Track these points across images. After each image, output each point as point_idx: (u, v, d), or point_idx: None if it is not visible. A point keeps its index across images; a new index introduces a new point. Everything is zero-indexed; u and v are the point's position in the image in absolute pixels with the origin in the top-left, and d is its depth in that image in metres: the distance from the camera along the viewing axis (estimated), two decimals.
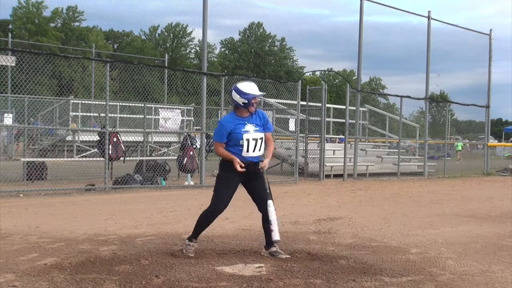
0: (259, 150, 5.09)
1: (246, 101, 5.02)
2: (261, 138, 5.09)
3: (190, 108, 17.70)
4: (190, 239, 5.13)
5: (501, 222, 7.79)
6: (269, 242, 5.12)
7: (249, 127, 5.05)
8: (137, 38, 57.12)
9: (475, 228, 7.23)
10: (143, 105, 15.45)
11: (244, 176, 5.07)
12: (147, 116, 15.32)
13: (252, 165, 5.07)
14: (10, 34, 29.44)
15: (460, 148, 31.23)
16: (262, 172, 5.15)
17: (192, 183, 12.70)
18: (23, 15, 46.41)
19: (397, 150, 18.27)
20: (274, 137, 16.60)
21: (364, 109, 19.84)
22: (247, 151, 5.02)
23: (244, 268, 4.65)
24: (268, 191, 5.11)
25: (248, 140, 5.02)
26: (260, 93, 5.14)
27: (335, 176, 15.78)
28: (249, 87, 5.06)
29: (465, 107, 20.71)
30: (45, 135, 15.77)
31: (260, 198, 5.11)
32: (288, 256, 5.06)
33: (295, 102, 14.88)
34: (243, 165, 4.98)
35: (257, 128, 5.08)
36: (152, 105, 16.89)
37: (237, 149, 5.05)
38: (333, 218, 7.82)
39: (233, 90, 5.09)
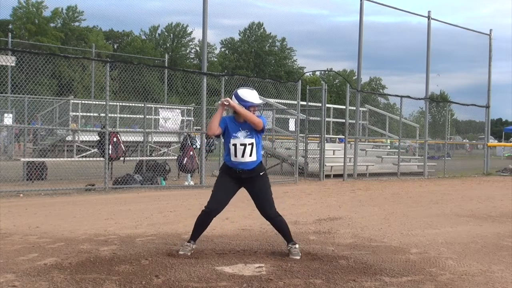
0: (250, 155, 5.03)
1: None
2: (251, 144, 5.05)
3: (190, 108, 17.70)
4: (189, 240, 5.16)
5: (501, 222, 7.79)
6: (288, 239, 5.19)
7: (241, 133, 5.06)
8: (137, 38, 57.11)
9: (475, 228, 7.24)
10: (143, 105, 15.45)
11: (241, 181, 5.12)
12: (147, 116, 15.32)
13: (246, 172, 5.07)
14: (10, 34, 29.41)
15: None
16: (263, 180, 5.14)
17: (192, 183, 12.70)
18: (23, 15, 46.37)
19: (397, 150, 18.28)
20: (274, 137, 16.74)
21: (364, 109, 19.85)
22: (235, 156, 5.03)
23: (244, 268, 4.65)
24: (271, 204, 5.12)
25: (235, 146, 5.03)
26: (260, 102, 5.16)
27: (335, 176, 15.78)
28: (250, 94, 5.09)
29: (465, 107, 20.73)
30: (46, 136, 15.76)
31: (259, 205, 5.16)
32: (297, 258, 5.04)
33: (295, 102, 14.88)
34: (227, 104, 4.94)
35: (248, 133, 5.06)
36: (152, 105, 16.89)
37: (227, 157, 5.11)
38: (333, 218, 7.82)
39: (233, 95, 5.12)
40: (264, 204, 5.12)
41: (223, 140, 5.29)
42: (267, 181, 5.18)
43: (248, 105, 5.03)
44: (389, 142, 21.09)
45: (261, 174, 5.14)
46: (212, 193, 5.13)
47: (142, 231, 6.40)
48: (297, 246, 5.17)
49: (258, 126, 5.04)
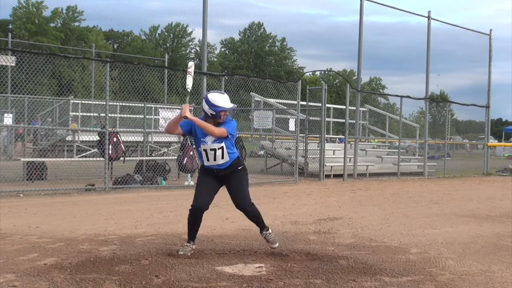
0: (222, 158, 5.01)
1: (214, 113, 4.99)
2: (221, 148, 4.99)
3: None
4: (187, 240, 5.19)
5: (501, 222, 7.79)
6: (261, 226, 5.29)
7: (209, 138, 5.00)
8: (137, 38, 57.15)
9: (475, 228, 7.24)
10: (143, 105, 15.45)
11: (220, 179, 5.15)
12: (147, 116, 15.32)
13: (221, 171, 5.09)
14: (10, 34, 29.40)
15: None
16: (241, 174, 5.16)
17: (192, 183, 12.69)
18: (23, 15, 46.41)
19: (397, 150, 18.28)
20: (274, 137, 16.73)
21: (364, 109, 19.85)
22: (207, 160, 5.05)
23: (244, 268, 4.65)
24: (245, 195, 5.15)
25: (205, 151, 5.03)
26: (231, 106, 5.03)
27: (335, 176, 15.78)
28: (220, 99, 5.00)
29: (465, 107, 20.73)
30: (46, 136, 15.76)
31: (233, 196, 5.17)
32: (276, 246, 5.21)
33: (295, 102, 14.88)
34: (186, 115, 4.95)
35: (216, 138, 4.99)
36: (152, 105, 16.89)
37: (201, 160, 5.15)
38: (333, 218, 7.82)
39: (203, 99, 5.06)
40: (238, 194, 5.13)
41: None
42: (244, 175, 5.21)
43: (218, 110, 4.97)
44: (375, 141, 21.07)
45: (238, 168, 5.16)
46: (195, 192, 5.17)
47: (142, 231, 6.40)
48: (270, 231, 5.23)
49: (221, 137, 4.98)
